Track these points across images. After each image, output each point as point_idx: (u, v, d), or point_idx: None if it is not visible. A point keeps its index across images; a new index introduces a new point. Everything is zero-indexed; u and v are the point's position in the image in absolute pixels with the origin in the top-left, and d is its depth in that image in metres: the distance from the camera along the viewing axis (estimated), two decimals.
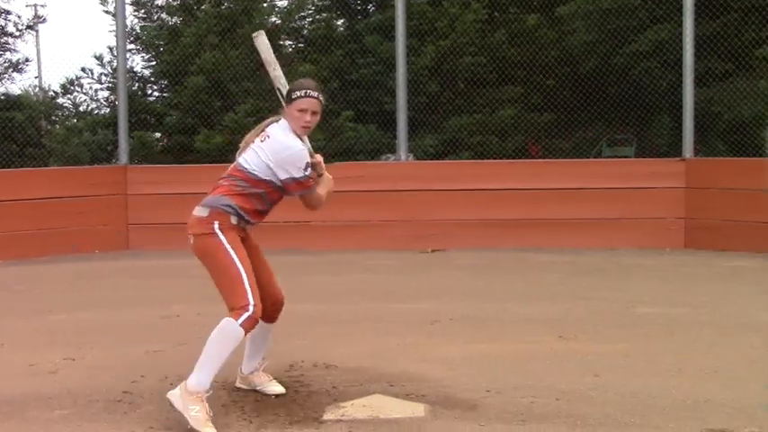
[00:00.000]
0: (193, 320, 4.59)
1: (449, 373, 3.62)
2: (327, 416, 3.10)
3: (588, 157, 8.69)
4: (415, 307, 5.04)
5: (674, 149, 7.90)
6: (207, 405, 2.97)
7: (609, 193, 7.44)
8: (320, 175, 3.25)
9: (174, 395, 3.00)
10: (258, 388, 3.35)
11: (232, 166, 3.20)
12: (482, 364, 3.75)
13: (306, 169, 3.11)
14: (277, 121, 3.20)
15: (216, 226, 3.07)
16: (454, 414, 3.11)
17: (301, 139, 3.17)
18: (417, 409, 3.15)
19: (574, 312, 4.83)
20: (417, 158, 8.12)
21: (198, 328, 4.43)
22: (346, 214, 7.60)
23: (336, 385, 3.45)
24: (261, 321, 3.26)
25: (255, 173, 3.10)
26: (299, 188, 3.12)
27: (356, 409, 3.16)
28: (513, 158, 8.24)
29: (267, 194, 3.14)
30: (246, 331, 3.00)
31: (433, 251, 7.41)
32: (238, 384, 3.41)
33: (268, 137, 3.14)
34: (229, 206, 3.09)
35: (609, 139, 9.02)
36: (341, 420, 3.05)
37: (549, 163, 8.03)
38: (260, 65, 3.46)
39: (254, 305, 2.99)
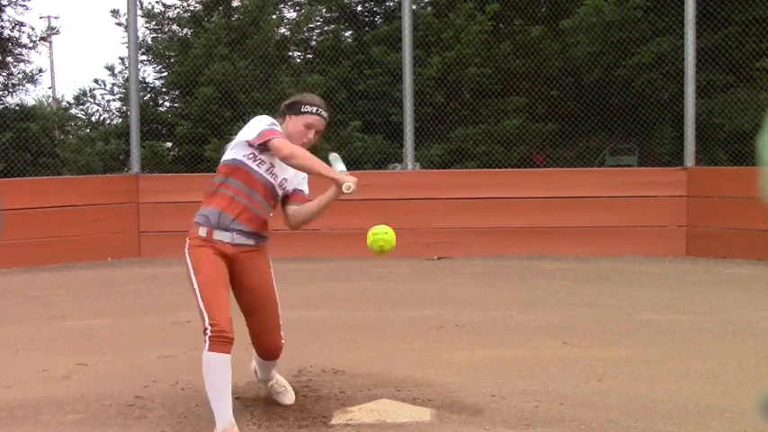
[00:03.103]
0: None
1: (455, 378, 3.64)
2: (335, 420, 3.13)
3: (591, 166, 8.72)
4: (422, 313, 5.07)
5: (675, 159, 7.94)
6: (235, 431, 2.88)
7: (612, 202, 7.48)
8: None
9: None
10: (271, 392, 3.34)
11: None
12: (487, 370, 3.78)
13: (271, 124, 2.93)
14: None
15: (187, 243, 2.96)
16: (460, 418, 3.13)
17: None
18: (424, 414, 3.18)
19: (578, 319, 4.85)
20: (424, 168, 8.18)
21: None
22: (354, 222, 7.64)
23: (344, 390, 3.48)
24: (259, 358, 3.19)
25: (226, 158, 2.96)
26: (266, 136, 2.87)
27: (363, 413, 3.19)
28: (518, 168, 8.28)
29: (235, 178, 2.91)
30: (219, 351, 2.80)
31: (439, 259, 7.45)
32: (253, 367, 3.33)
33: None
34: (200, 215, 2.94)
35: (612, 148, 9.06)
36: (348, 425, 3.08)
37: (553, 172, 8.06)
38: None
39: (212, 327, 2.80)
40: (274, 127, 2.95)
